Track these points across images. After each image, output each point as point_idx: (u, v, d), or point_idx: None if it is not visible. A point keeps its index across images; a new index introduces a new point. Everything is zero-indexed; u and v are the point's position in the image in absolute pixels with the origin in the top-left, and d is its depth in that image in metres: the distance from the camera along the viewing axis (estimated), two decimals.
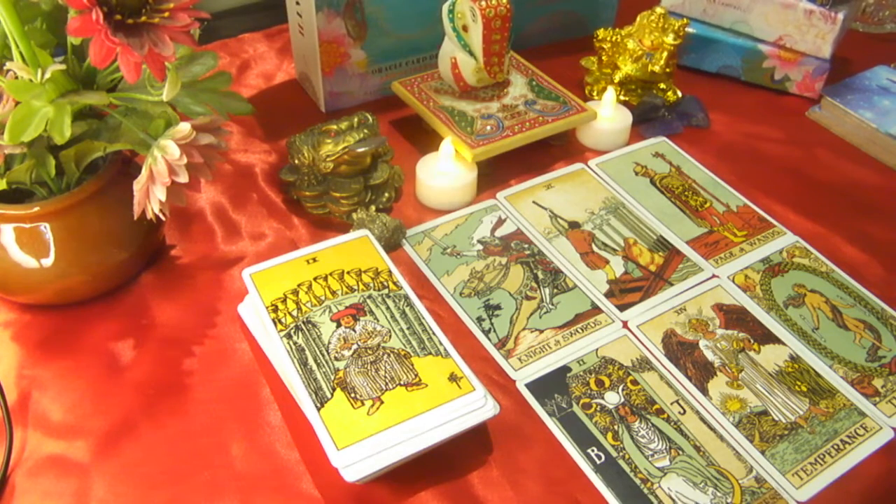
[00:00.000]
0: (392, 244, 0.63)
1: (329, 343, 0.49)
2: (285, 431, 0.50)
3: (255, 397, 0.52)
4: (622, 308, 0.60)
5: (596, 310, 0.59)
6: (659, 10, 0.77)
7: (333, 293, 0.52)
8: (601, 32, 0.80)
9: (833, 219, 0.69)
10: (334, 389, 0.46)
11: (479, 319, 0.58)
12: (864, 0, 0.98)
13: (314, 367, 0.47)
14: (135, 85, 0.50)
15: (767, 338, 0.58)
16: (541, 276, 0.62)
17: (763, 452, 0.50)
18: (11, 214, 0.51)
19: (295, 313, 0.50)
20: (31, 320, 0.56)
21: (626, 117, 0.76)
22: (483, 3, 0.66)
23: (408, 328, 0.50)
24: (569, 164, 0.74)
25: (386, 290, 0.53)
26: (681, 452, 0.50)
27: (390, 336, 0.50)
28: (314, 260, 0.54)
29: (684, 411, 0.53)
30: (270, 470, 0.48)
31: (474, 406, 0.46)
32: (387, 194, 0.66)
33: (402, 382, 0.47)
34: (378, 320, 0.51)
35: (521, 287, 0.61)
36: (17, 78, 0.46)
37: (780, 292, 0.62)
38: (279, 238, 0.64)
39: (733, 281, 0.63)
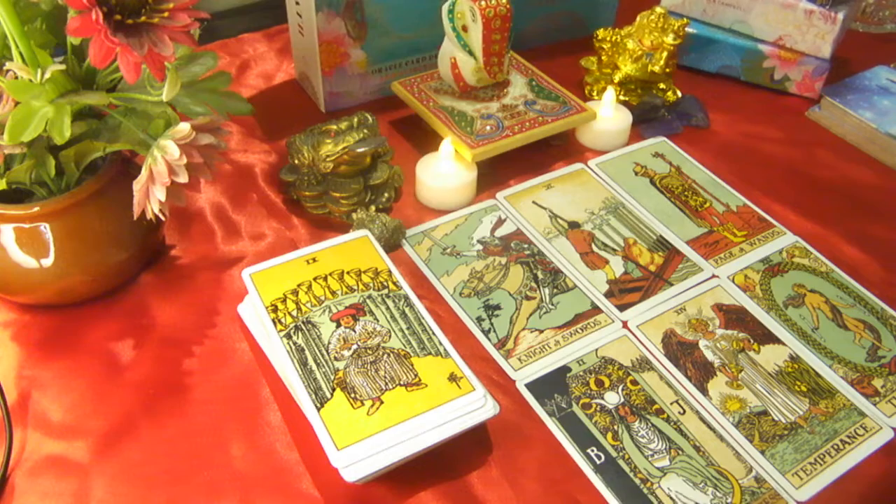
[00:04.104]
0: (392, 244, 0.63)
1: (329, 343, 0.49)
2: (285, 431, 0.50)
3: (255, 397, 0.52)
4: (622, 308, 0.60)
5: (596, 310, 0.59)
6: (659, 10, 0.77)
7: (333, 293, 0.52)
8: (601, 32, 0.80)
9: (833, 219, 0.69)
10: (334, 389, 0.46)
11: (479, 319, 0.58)
12: (864, 0, 0.98)
13: (314, 367, 0.47)
14: (135, 85, 0.50)
15: (767, 338, 0.58)
16: (540, 276, 0.62)
17: (763, 452, 0.50)
18: (11, 214, 0.51)
19: (295, 313, 0.50)
20: (31, 320, 0.56)
21: (625, 117, 0.76)
22: (483, 3, 0.66)
23: (407, 328, 0.50)
24: (569, 164, 0.74)
25: (386, 291, 0.53)
26: (680, 452, 0.50)
27: (390, 336, 0.50)
28: (314, 260, 0.54)
29: (684, 411, 0.53)
30: (270, 470, 0.48)
31: (474, 406, 0.46)
32: (386, 194, 0.66)
33: (401, 382, 0.47)
34: (378, 320, 0.51)
35: (521, 287, 0.61)
36: (17, 78, 0.46)
37: (780, 292, 0.62)
38: (279, 238, 0.64)
39: (733, 281, 0.63)
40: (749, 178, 0.73)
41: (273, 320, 0.50)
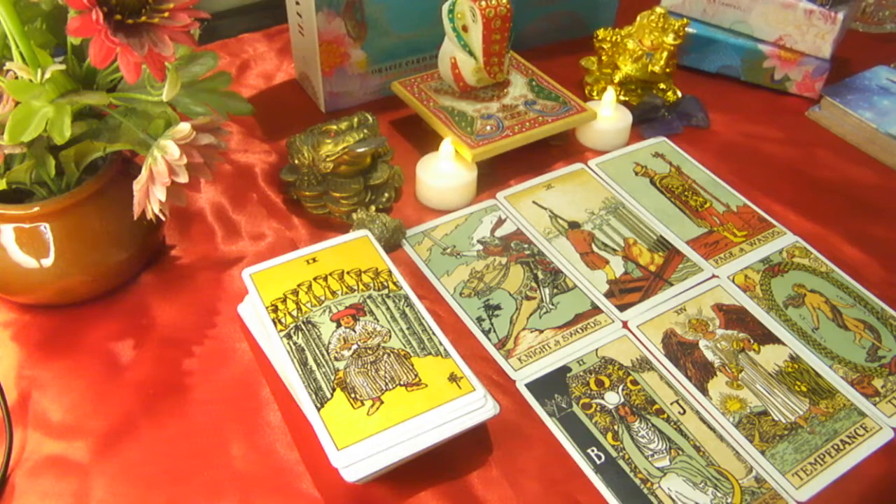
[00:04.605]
0: (392, 244, 0.63)
1: (329, 343, 0.49)
2: (285, 431, 0.50)
3: (255, 397, 0.52)
4: (622, 308, 0.60)
5: (596, 310, 0.59)
6: (659, 10, 0.77)
7: (333, 293, 0.52)
8: (601, 32, 0.80)
9: (833, 219, 0.69)
10: (334, 390, 0.46)
11: (479, 319, 0.58)
12: (864, 0, 0.98)
13: (314, 367, 0.47)
14: (135, 85, 0.50)
15: (767, 338, 0.58)
16: (541, 276, 0.62)
17: (763, 452, 0.50)
18: (11, 214, 0.51)
19: (295, 313, 0.50)
20: (31, 320, 0.56)
21: (626, 117, 0.76)
22: (483, 3, 0.66)
23: (408, 328, 0.50)
24: (569, 164, 0.74)
25: (386, 291, 0.53)
26: (681, 452, 0.50)
27: (390, 336, 0.50)
28: (314, 260, 0.54)
29: (684, 411, 0.53)
30: (270, 470, 0.48)
31: (474, 406, 0.46)
32: (387, 194, 0.66)
33: (401, 382, 0.47)
34: (378, 320, 0.51)
35: (521, 287, 0.61)
36: (17, 78, 0.46)
37: (780, 292, 0.62)
38: (279, 238, 0.64)
39: (733, 281, 0.63)
40: (749, 178, 0.73)
41: (273, 320, 0.50)
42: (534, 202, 0.69)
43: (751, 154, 0.77)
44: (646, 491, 0.48)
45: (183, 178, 0.47)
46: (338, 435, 0.44)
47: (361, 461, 0.44)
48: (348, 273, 0.53)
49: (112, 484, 0.47)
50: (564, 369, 0.55)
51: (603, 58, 0.81)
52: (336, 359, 0.48)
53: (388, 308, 0.51)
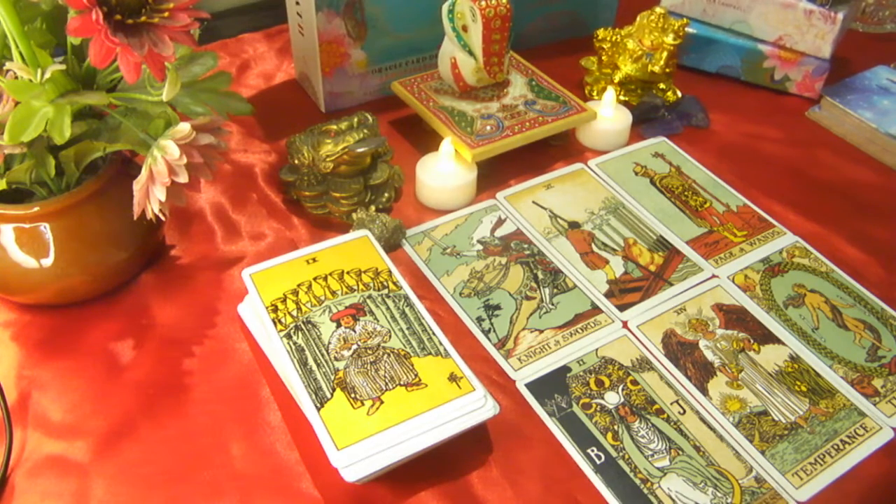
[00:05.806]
0: (392, 244, 0.63)
1: (329, 343, 0.49)
2: (285, 431, 0.50)
3: (254, 397, 0.52)
4: (622, 308, 0.60)
5: (596, 310, 0.59)
6: (659, 10, 0.77)
7: (333, 293, 0.52)
8: (601, 32, 0.80)
9: (833, 219, 0.69)
10: (334, 389, 0.46)
11: (479, 319, 0.58)
12: (864, 0, 0.98)
13: (314, 367, 0.47)
14: (135, 85, 0.50)
15: (767, 338, 0.58)
16: (541, 276, 0.62)
17: (763, 452, 0.50)
18: (11, 214, 0.51)
19: (295, 313, 0.50)
20: (31, 320, 0.56)
21: (625, 117, 0.76)
22: (483, 3, 0.66)
23: (408, 328, 0.50)
24: (569, 164, 0.74)
25: (386, 291, 0.53)
26: (681, 452, 0.50)
27: (390, 336, 0.50)
28: (314, 260, 0.54)
29: (684, 411, 0.53)
30: (270, 470, 0.48)
31: (474, 406, 0.46)
32: (387, 194, 0.66)
33: (401, 382, 0.47)
34: (378, 320, 0.51)
35: (521, 287, 0.61)
36: (17, 78, 0.46)
37: (780, 292, 0.62)
38: (279, 238, 0.64)
39: (733, 281, 0.63)
40: (749, 178, 0.73)
41: (273, 320, 0.50)
42: (534, 202, 0.69)
43: (751, 154, 0.77)
44: (646, 491, 0.48)
45: (183, 178, 0.47)
46: (338, 435, 0.44)
47: (361, 461, 0.44)
48: (348, 273, 0.53)
49: (112, 484, 0.47)
50: (564, 369, 0.55)
51: (603, 58, 0.81)
52: (336, 359, 0.48)
53: (387, 308, 0.51)
